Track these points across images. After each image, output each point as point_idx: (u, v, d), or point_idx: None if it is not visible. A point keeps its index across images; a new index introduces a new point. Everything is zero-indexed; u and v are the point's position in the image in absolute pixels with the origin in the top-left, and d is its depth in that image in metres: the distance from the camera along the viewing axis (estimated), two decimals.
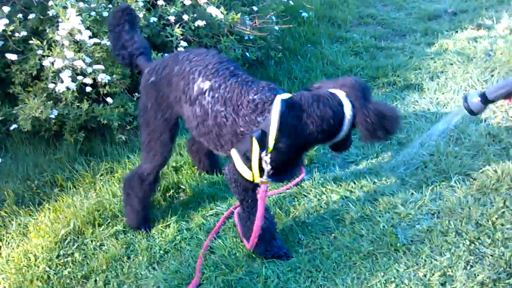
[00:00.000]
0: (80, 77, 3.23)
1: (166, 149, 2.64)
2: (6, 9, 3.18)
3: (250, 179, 2.31)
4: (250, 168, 2.28)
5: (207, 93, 2.31)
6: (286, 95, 2.28)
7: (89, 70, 3.23)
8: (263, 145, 2.19)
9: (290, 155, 2.32)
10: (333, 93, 2.31)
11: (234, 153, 2.31)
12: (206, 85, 2.31)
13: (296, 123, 2.23)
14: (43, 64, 3.21)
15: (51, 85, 3.19)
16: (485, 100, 2.31)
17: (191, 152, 3.23)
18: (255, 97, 2.26)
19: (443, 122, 3.14)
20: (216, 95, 2.29)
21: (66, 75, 3.14)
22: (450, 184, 3.02)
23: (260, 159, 2.22)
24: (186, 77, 2.37)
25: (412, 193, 2.96)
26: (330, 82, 2.42)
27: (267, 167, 2.23)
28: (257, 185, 2.36)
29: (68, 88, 3.16)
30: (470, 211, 2.76)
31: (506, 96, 2.28)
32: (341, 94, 2.30)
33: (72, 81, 3.17)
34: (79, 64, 3.14)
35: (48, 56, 3.22)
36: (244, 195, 2.45)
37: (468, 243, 2.57)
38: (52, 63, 3.16)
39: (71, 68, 3.20)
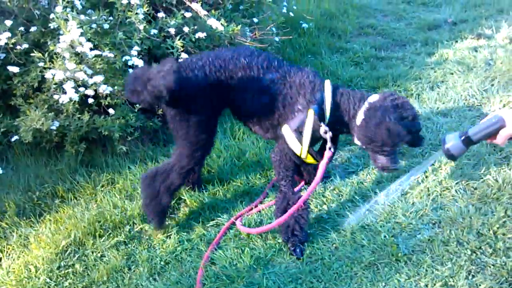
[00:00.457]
0: (81, 89, 3.24)
1: (210, 144, 2.79)
2: (8, 22, 3.20)
3: (298, 153, 2.62)
4: (301, 142, 2.60)
5: (276, 81, 2.64)
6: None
7: (91, 81, 3.24)
8: (321, 118, 2.58)
9: (336, 130, 2.67)
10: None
11: (286, 129, 2.62)
12: (275, 75, 2.65)
13: (339, 101, 2.64)
14: (45, 76, 3.23)
15: (55, 96, 3.20)
16: (468, 142, 2.12)
17: None
18: (313, 79, 2.66)
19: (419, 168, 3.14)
20: (284, 82, 2.64)
21: (69, 86, 3.16)
22: (451, 194, 3.01)
23: (313, 133, 2.57)
24: (253, 70, 2.64)
25: (413, 203, 2.96)
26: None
27: (328, 134, 2.57)
28: (302, 161, 2.72)
29: (71, 99, 3.17)
30: (471, 220, 2.76)
31: (489, 136, 2.13)
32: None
33: (75, 92, 3.19)
34: (80, 75, 3.16)
35: (49, 68, 3.24)
36: (285, 173, 2.75)
37: (469, 252, 2.56)
38: (54, 75, 3.17)
39: (72, 80, 3.22)
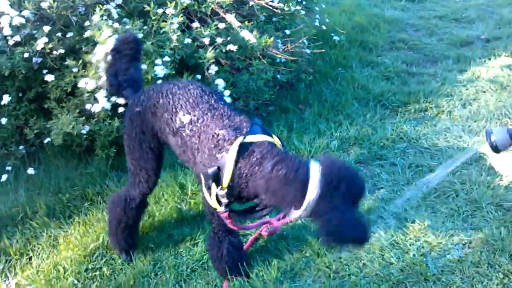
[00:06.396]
0: (113, 98, 3.29)
1: (151, 178, 2.61)
2: (46, 28, 3.28)
3: (214, 206, 2.33)
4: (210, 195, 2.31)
5: (186, 126, 2.35)
6: (252, 138, 2.22)
7: None
8: (218, 181, 2.22)
9: (243, 195, 2.30)
10: (305, 163, 2.15)
11: (201, 180, 2.33)
12: (186, 118, 2.35)
13: (248, 171, 2.19)
14: (77, 84, 3.29)
15: (87, 106, 3.26)
16: None
17: None
18: (219, 132, 2.25)
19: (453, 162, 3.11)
20: (194, 129, 2.33)
21: (101, 95, 3.21)
22: (482, 214, 2.96)
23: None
24: (169, 110, 2.41)
25: (443, 222, 2.91)
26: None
27: (223, 200, 2.27)
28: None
29: (103, 108, 3.22)
30: (504, 243, 2.70)
31: None
32: (314, 169, 2.08)
33: (107, 101, 3.24)
34: None
35: (83, 76, 3.29)
36: (211, 217, 2.53)
37: (501, 276, 2.51)
38: (87, 84, 3.23)
39: (105, 89, 3.27)
